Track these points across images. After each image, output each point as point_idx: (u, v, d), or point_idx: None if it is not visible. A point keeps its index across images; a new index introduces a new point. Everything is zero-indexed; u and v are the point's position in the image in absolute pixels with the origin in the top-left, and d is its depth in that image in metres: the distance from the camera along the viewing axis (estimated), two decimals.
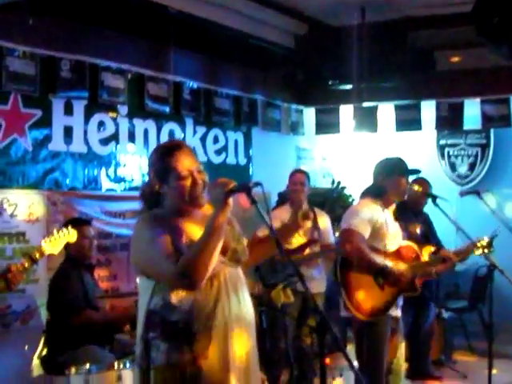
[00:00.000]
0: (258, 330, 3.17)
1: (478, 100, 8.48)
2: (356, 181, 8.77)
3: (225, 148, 8.25)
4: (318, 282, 6.33)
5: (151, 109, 7.18)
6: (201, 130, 7.92)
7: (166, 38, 6.97)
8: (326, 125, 9.36)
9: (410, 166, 5.08)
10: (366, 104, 8.77)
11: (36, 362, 5.41)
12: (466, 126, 8.85)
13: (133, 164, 7.08)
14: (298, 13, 7.85)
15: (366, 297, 4.75)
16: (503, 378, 6.21)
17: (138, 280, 3.17)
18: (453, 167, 10.17)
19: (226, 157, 8.26)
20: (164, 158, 3.02)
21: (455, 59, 8.34)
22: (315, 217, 6.19)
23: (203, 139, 7.94)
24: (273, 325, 5.82)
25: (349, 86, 8.45)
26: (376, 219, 4.82)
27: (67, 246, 5.01)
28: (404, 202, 5.21)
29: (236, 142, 8.44)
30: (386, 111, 8.97)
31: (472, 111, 8.57)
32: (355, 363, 4.71)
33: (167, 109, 7.34)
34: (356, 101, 8.57)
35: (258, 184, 2.86)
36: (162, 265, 2.85)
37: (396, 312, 4.90)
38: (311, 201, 6.57)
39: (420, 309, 6.98)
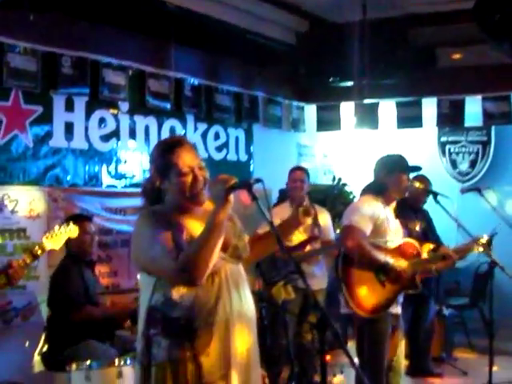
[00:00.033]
0: (258, 327, 3.17)
1: (479, 97, 8.48)
2: (357, 178, 8.77)
3: (226, 144, 8.25)
4: (318, 278, 6.33)
5: (152, 105, 7.19)
6: (202, 126, 7.92)
7: (167, 34, 6.96)
8: (327, 122, 9.36)
9: (411, 163, 5.09)
10: (367, 101, 8.78)
11: (37, 358, 5.42)
12: (467, 123, 8.86)
13: (134, 160, 7.08)
14: (299, 9, 7.85)
15: (367, 293, 4.74)
16: (504, 375, 6.21)
17: (138, 276, 3.17)
18: (454, 164, 10.17)
19: (227, 153, 8.26)
20: (165, 154, 3.02)
21: (456, 56, 8.34)
22: (315, 213, 6.19)
23: (204, 136, 7.94)
24: (273, 321, 5.82)
25: (350, 83, 8.45)
26: (377, 216, 4.81)
27: (68, 243, 5.00)
28: (404, 199, 5.21)
29: (237, 138, 8.44)
30: (387, 108, 8.97)
31: (473, 108, 8.57)
32: (356, 360, 4.71)
33: (168, 105, 7.35)
34: (357, 98, 8.58)
35: (258, 180, 2.85)
36: (162, 261, 2.85)
37: (396, 309, 4.90)
38: (312, 197, 6.57)
39: (419, 306, 6.98)
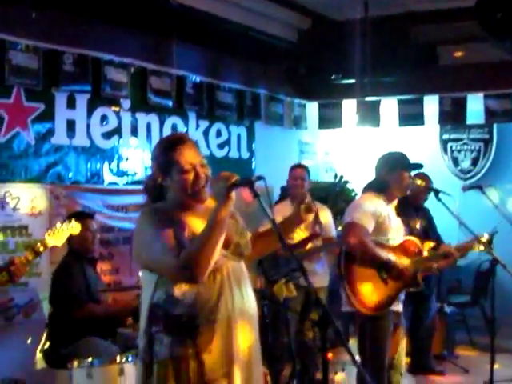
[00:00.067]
0: (260, 325, 3.17)
1: (481, 95, 8.48)
2: (359, 175, 8.77)
3: (227, 142, 8.25)
4: (320, 276, 6.33)
5: (154, 103, 7.19)
6: (203, 123, 7.92)
7: (169, 31, 6.97)
8: (329, 119, 9.37)
9: (413, 161, 5.08)
10: (368, 98, 8.77)
11: (39, 355, 5.43)
12: (469, 121, 8.86)
13: (135, 158, 7.08)
14: (301, 7, 7.84)
15: (369, 291, 4.74)
16: (505, 373, 6.21)
17: (140, 274, 3.17)
18: (455, 162, 10.17)
19: (229, 151, 8.26)
20: (167, 151, 3.02)
21: (458, 54, 8.34)
22: (316, 211, 6.18)
23: (206, 133, 7.94)
24: (275, 319, 5.83)
25: (352, 81, 8.43)
26: (379, 213, 4.80)
27: (70, 240, 5.01)
28: (405, 197, 5.20)
29: (239, 136, 8.44)
30: (389, 106, 8.96)
31: (475, 106, 8.57)
32: (357, 358, 4.71)
33: (170, 103, 7.35)
34: (359, 95, 8.57)
35: (260, 178, 2.85)
36: (164, 258, 2.85)
37: (398, 307, 4.90)
38: (313, 195, 6.57)
39: (419, 304, 6.98)
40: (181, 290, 2.90)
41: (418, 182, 5.29)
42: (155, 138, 7.12)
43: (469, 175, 10.02)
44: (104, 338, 5.24)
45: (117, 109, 6.89)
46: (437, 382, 7.07)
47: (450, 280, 8.67)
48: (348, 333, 6.57)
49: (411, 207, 6.64)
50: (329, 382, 2.87)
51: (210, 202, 3.01)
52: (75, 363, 4.42)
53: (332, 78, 8.60)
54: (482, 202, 6.24)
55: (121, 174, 6.93)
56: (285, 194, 7.13)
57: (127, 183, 6.98)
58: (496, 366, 5.37)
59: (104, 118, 6.77)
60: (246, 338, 3.00)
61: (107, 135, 6.80)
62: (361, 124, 9.06)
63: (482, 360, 6.37)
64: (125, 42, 6.87)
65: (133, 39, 6.96)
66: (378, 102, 8.93)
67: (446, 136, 10.21)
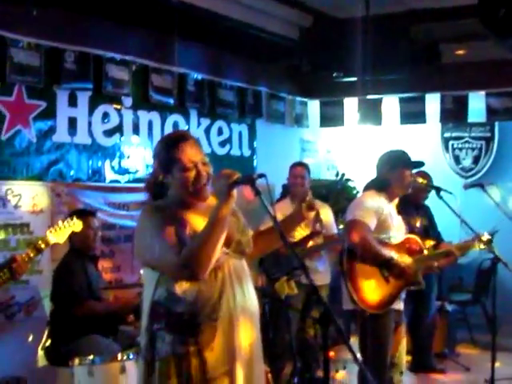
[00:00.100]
0: (261, 322, 3.17)
1: (482, 93, 8.48)
2: (360, 173, 8.77)
3: (229, 140, 8.25)
4: (321, 274, 6.34)
5: (155, 100, 7.19)
6: (205, 121, 7.92)
7: (170, 29, 6.96)
8: (331, 117, 9.37)
9: (414, 159, 5.07)
10: (370, 97, 8.76)
11: (40, 353, 5.44)
12: (471, 119, 8.85)
13: (137, 156, 7.08)
14: (302, 4, 7.83)
15: (371, 289, 4.73)
16: (506, 371, 6.20)
17: (142, 271, 3.17)
18: (457, 160, 10.16)
19: (230, 148, 8.26)
20: (169, 149, 3.01)
21: (460, 52, 8.32)
22: (317, 208, 6.18)
23: (207, 131, 7.94)
24: (276, 317, 5.83)
25: (353, 79, 8.44)
26: (381, 211, 4.80)
27: (71, 237, 5.01)
28: (405, 195, 5.20)
29: (240, 133, 8.44)
30: (391, 104, 8.96)
31: (477, 104, 8.56)
32: (359, 356, 4.70)
33: (171, 100, 7.34)
34: (360, 93, 8.56)
35: (261, 176, 2.85)
36: (165, 256, 2.85)
37: (399, 305, 4.90)
38: (315, 193, 6.56)
39: (420, 302, 6.97)
40: (182, 287, 2.90)
41: (420, 180, 5.28)
42: (157, 136, 7.11)
43: (470, 173, 10.02)
44: (105, 336, 5.25)
45: (118, 106, 6.89)
46: (438, 381, 7.07)
47: (452, 278, 8.67)
48: (349, 331, 6.56)
49: (411, 205, 6.63)
50: (330, 380, 2.86)
51: (211, 200, 3.00)
52: (76, 361, 4.41)
53: (333, 75, 8.61)
54: (484, 200, 6.26)
55: (122, 171, 6.93)
56: (286, 191, 7.13)
57: (129, 181, 6.98)
58: (497, 364, 5.36)
59: (105, 115, 6.76)
60: (247, 336, 2.99)
61: (109, 133, 6.80)
62: (362, 122, 9.05)
63: (483, 358, 6.37)
64: (126, 39, 6.87)
65: (134, 37, 6.96)
66: (380, 100, 8.92)
67: (447, 134, 10.20)
